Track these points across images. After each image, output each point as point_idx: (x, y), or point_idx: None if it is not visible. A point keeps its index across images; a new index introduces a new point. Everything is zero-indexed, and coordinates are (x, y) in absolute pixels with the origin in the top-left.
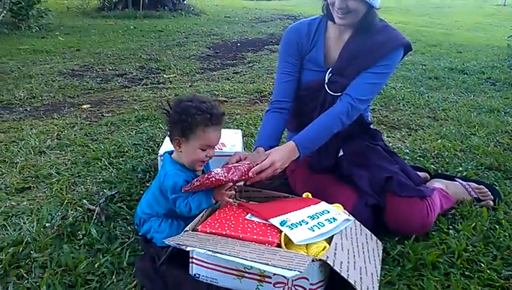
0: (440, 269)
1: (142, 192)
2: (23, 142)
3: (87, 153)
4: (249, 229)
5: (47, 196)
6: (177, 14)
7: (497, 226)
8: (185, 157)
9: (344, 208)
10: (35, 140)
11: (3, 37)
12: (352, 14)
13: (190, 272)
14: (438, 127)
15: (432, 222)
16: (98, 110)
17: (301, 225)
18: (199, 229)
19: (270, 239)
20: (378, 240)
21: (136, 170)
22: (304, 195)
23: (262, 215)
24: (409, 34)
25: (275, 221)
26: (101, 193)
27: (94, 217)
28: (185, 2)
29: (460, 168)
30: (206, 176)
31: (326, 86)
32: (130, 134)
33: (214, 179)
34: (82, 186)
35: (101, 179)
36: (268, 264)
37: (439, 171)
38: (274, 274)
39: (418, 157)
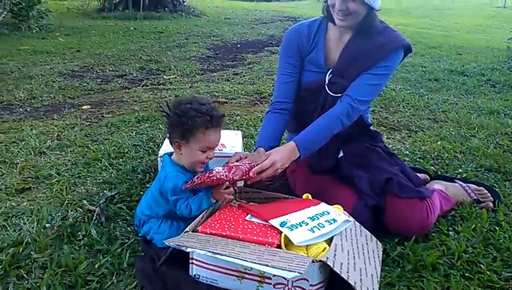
0: (440, 271)
1: (142, 193)
2: (23, 143)
3: (87, 153)
4: (249, 230)
5: (47, 196)
6: (178, 15)
7: (497, 228)
8: (185, 159)
9: (344, 209)
10: (35, 141)
11: (4, 38)
12: (352, 16)
13: (190, 273)
14: (438, 128)
15: (432, 223)
16: (98, 111)
17: (301, 226)
18: (199, 230)
19: (270, 240)
20: (378, 241)
21: (136, 171)
22: (304, 196)
23: (262, 216)
24: (409, 36)
25: (275, 222)
26: (101, 193)
27: (94, 217)
28: (185, 3)
29: (460, 170)
30: (207, 174)
31: (326, 87)
32: (130, 135)
33: (215, 177)
34: (82, 187)
35: (101, 180)
36: (268, 265)
37: (439, 173)
38: (274, 275)
39: (417, 159)
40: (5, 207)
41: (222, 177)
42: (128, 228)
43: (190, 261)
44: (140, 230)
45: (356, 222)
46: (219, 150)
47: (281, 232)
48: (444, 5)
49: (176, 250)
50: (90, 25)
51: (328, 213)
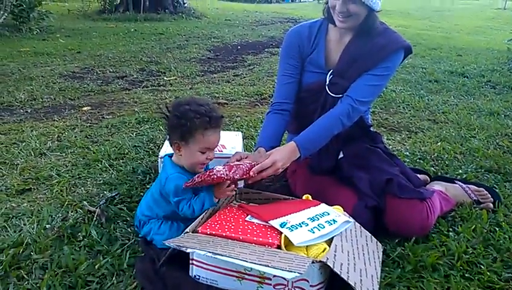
0: (440, 271)
1: (142, 194)
2: (23, 144)
3: (88, 155)
4: (249, 230)
5: (47, 197)
6: (178, 17)
7: (497, 229)
8: (185, 161)
9: (344, 210)
10: (35, 142)
11: (4, 39)
12: (353, 17)
13: (190, 274)
14: (438, 129)
15: (432, 224)
16: (98, 112)
17: (301, 226)
18: (199, 231)
19: (270, 241)
20: (378, 242)
21: (136, 172)
22: (304, 197)
23: (262, 217)
24: (410, 37)
25: (275, 223)
26: (101, 194)
27: (94, 218)
28: (186, 5)
29: (460, 171)
30: (207, 173)
31: (327, 87)
32: (130, 136)
33: (215, 176)
34: (82, 188)
35: (101, 181)
36: (268, 266)
37: (439, 174)
38: (274, 276)
39: (418, 160)
40: (6, 208)
41: (222, 175)
42: (129, 229)
43: (190, 261)
44: (141, 231)
45: (356, 223)
46: (219, 151)
47: (281, 232)
48: (443, 7)
49: (176, 251)
50: (91, 27)
51: (328, 214)
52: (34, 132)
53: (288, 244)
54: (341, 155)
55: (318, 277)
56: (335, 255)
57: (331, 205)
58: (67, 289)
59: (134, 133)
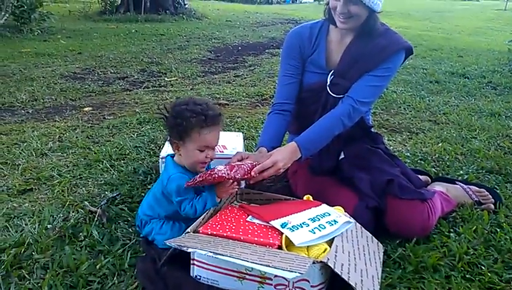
0: (441, 272)
1: (143, 194)
2: (25, 145)
3: (89, 155)
4: (250, 231)
5: (49, 197)
6: (179, 18)
7: (498, 230)
8: (185, 160)
9: (345, 211)
10: (37, 142)
11: (6, 40)
12: (354, 18)
13: (191, 274)
14: (439, 130)
15: (433, 225)
16: (99, 112)
17: (302, 227)
18: (200, 231)
19: (271, 241)
20: (379, 243)
21: (138, 172)
22: (305, 197)
23: (263, 218)
24: (410, 38)
25: (276, 223)
26: (103, 195)
27: (95, 218)
28: (187, 6)
29: (461, 172)
30: (208, 172)
31: (328, 87)
32: (131, 136)
33: (216, 175)
34: (83, 188)
35: (103, 181)
36: (269, 266)
37: (440, 175)
38: (275, 276)
39: (418, 161)
40: (7, 208)
41: (224, 175)
42: (130, 229)
43: (191, 262)
44: (142, 231)
45: (357, 223)
46: (220, 151)
47: (282, 233)
48: (444, 8)
49: (177, 251)
50: (92, 28)
51: (329, 214)
52: (35, 132)
53: (289, 244)
54: (342, 156)
55: (319, 277)
56: (336, 255)
57: (332, 206)
58: (69, 289)
59: (135, 134)
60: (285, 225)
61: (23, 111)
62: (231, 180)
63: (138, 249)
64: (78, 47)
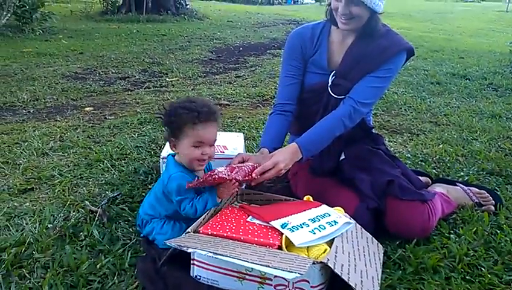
0: (441, 273)
1: (144, 194)
2: (26, 144)
3: (90, 155)
4: (250, 231)
5: (49, 197)
6: (180, 18)
7: (498, 231)
8: (182, 157)
9: (345, 211)
10: (38, 142)
11: (7, 40)
12: (355, 19)
13: (191, 274)
14: (440, 132)
15: (433, 226)
16: (100, 112)
17: (302, 227)
18: (201, 231)
19: (271, 241)
20: (379, 244)
21: (138, 172)
22: (305, 198)
23: (263, 218)
24: (411, 39)
25: (276, 223)
26: (103, 194)
27: (96, 218)
28: (188, 6)
29: (462, 173)
30: (209, 173)
31: (329, 88)
32: (132, 136)
33: (217, 176)
34: (84, 188)
35: (103, 181)
36: (269, 266)
37: (441, 176)
38: (275, 276)
39: (419, 162)
40: (8, 207)
41: (224, 176)
42: (130, 229)
43: (191, 262)
44: (143, 230)
45: (357, 224)
46: (221, 152)
47: (282, 233)
48: (445, 9)
49: (177, 250)
50: (93, 28)
51: (329, 215)
52: (37, 132)
53: (289, 245)
54: (342, 157)
55: (319, 277)
56: (336, 256)
57: (332, 207)
58: (69, 288)
59: (136, 134)
60: (285, 226)
61: (24, 111)
62: (233, 181)
63: (138, 249)
64: (79, 47)
